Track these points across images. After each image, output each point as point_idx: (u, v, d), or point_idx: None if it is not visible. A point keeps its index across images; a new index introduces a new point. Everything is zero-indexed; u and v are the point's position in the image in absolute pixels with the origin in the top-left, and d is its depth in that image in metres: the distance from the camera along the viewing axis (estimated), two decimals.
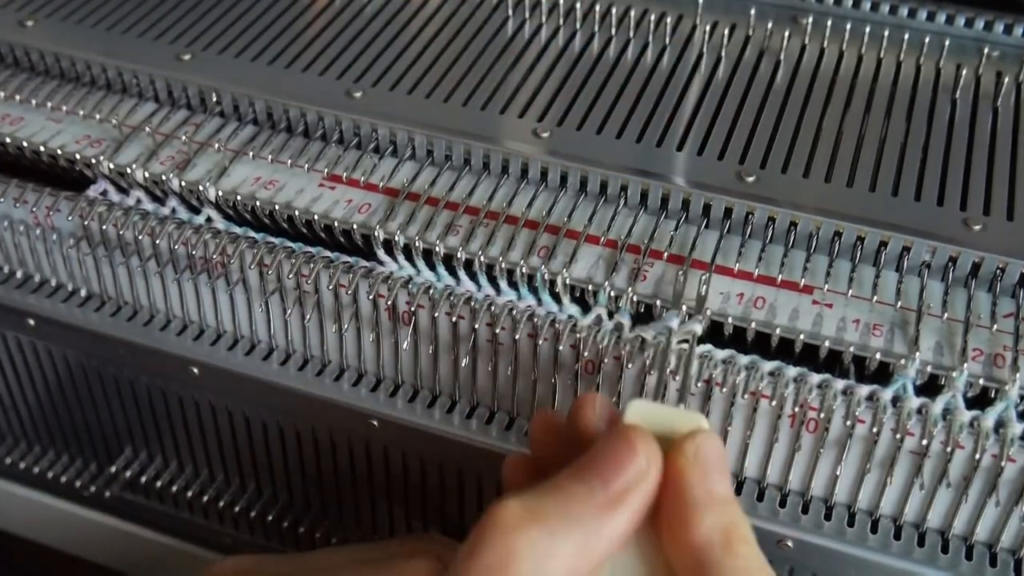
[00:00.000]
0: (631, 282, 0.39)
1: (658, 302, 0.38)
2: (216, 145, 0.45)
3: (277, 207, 0.42)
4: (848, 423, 0.36)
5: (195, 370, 0.45)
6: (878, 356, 0.36)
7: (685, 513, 0.30)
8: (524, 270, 0.39)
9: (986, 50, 0.48)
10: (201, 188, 0.43)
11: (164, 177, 0.44)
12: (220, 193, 0.43)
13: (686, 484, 0.30)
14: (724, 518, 0.30)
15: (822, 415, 0.37)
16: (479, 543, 0.29)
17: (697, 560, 0.30)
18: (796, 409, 0.37)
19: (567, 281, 0.39)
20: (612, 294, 0.38)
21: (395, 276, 0.41)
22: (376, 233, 0.41)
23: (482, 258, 0.40)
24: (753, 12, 0.51)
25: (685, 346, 0.38)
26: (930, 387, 0.36)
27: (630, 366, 0.38)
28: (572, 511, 0.30)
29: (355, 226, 0.41)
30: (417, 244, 0.40)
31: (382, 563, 0.38)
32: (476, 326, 0.40)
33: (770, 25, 0.50)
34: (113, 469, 0.54)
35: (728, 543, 0.30)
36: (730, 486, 0.32)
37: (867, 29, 0.49)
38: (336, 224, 0.42)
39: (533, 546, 0.29)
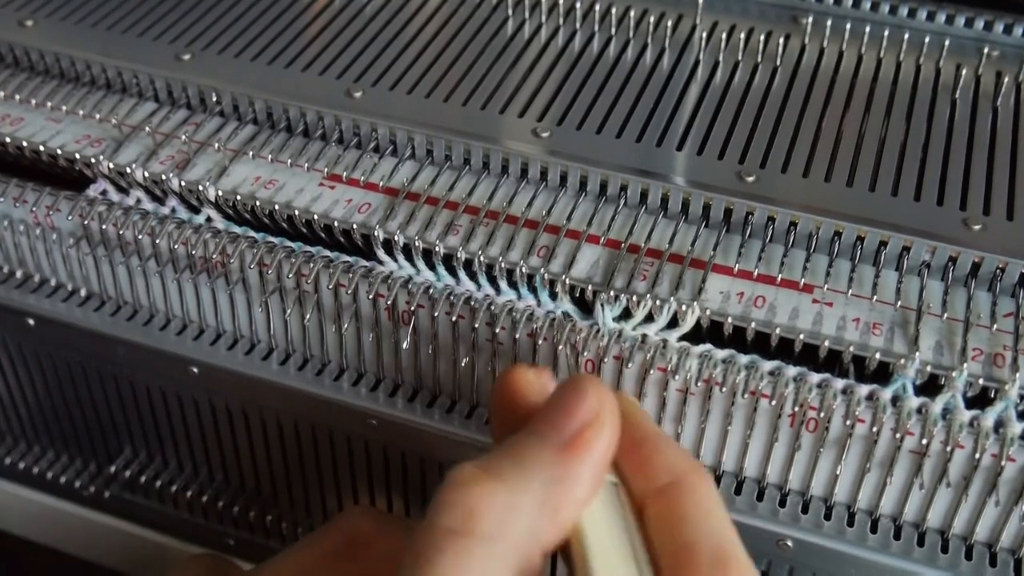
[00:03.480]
0: (630, 281, 0.39)
1: (658, 300, 0.38)
2: (216, 145, 0.45)
3: (277, 207, 0.42)
4: (848, 423, 0.36)
5: (194, 370, 0.45)
6: (878, 356, 0.36)
7: (645, 447, 0.31)
8: (524, 270, 0.39)
9: (986, 50, 0.48)
10: (201, 188, 0.43)
11: (164, 177, 0.44)
12: (220, 193, 0.43)
13: (639, 421, 0.31)
14: (683, 454, 0.31)
15: (822, 415, 0.37)
16: (437, 507, 0.28)
17: (665, 489, 0.30)
18: (796, 409, 0.37)
19: (567, 281, 0.39)
20: (612, 293, 0.38)
21: (395, 276, 0.41)
22: (376, 233, 0.41)
23: (482, 258, 0.40)
24: (753, 12, 0.51)
25: (684, 344, 0.38)
26: (930, 387, 0.36)
27: (630, 366, 0.38)
28: (527, 462, 0.29)
29: (355, 226, 0.41)
30: (417, 244, 0.40)
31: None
32: (476, 326, 0.40)
33: (770, 25, 0.50)
34: (113, 469, 0.54)
35: (696, 469, 0.30)
36: None
37: (867, 29, 0.49)
38: (336, 224, 0.42)
39: (492, 503, 0.28)
